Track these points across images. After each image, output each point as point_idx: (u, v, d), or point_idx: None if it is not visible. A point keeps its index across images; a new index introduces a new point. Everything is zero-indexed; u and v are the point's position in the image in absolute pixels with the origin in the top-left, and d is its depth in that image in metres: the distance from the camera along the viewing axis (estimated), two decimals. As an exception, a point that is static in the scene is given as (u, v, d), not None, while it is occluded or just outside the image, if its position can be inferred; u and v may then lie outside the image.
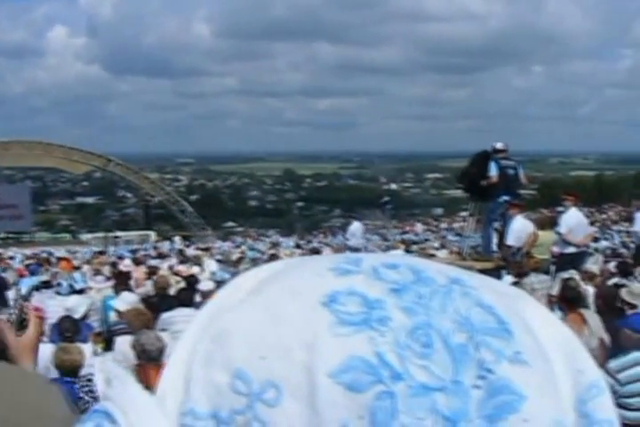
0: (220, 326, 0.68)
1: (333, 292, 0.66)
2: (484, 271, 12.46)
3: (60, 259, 24.80)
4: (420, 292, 0.69)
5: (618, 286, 10.48)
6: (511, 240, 13.50)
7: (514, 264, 12.64)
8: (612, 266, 14.91)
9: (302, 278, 0.70)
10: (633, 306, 8.98)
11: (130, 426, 0.64)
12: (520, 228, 13.41)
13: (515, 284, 10.41)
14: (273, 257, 22.97)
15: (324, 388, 0.62)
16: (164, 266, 20.34)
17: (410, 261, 0.73)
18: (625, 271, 12.70)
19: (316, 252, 27.04)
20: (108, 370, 0.70)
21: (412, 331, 0.66)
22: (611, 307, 9.06)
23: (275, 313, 0.67)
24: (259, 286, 0.71)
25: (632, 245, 19.91)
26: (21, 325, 2.64)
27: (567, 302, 8.69)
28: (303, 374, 0.63)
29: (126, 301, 10.84)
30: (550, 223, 15.22)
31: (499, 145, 14.74)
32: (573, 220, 13.64)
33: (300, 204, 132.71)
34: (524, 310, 0.80)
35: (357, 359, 0.63)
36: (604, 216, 52.20)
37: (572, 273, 11.82)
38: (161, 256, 30.11)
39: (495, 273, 12.27)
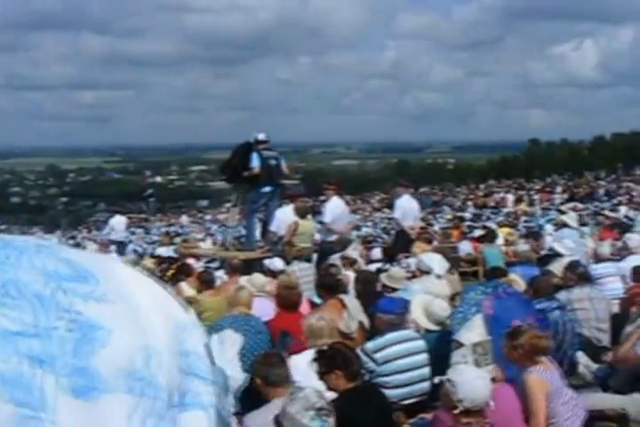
0: None
1: None
2: (248, 261, 12.59)
3: None
4: (7, 254, 0.76)
5: (381, 271, 10.85)
6: (274, 227, 13.66)
7: (276, 253, 12.81)
8: (376, 252, 15.39)
9: None
10: (393, 289, 9.33)
11: None
12: (282, 217, 13.58)
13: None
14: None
15: None
16: None
17: (2, 236, 0.83)
18: (389, 257, 13.11)
19: (78, 247, 26.44)
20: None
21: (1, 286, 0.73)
22: (370, 291, 9.35)
23: None
24: None
25: (393, 232, 20.62)
26: None
27: (326, 288, 8.89)
28: None
29: None
30: (311, 212, 15.52)
31: (260, 136, 14.82)
32: (335, 209, 13.94)
33: (63, 199, 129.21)
34: (112, 267, 0.96)
35: None
36: (367, 204, 53.71)
37: (333, 260, 12.11)
38: None
39: (259, 263, 12.36)
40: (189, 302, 8.62)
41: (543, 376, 5.82)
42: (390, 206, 26.97)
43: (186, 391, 1.50)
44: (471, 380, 4.84)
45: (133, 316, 0.98)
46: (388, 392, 6.40)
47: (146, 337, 0.98)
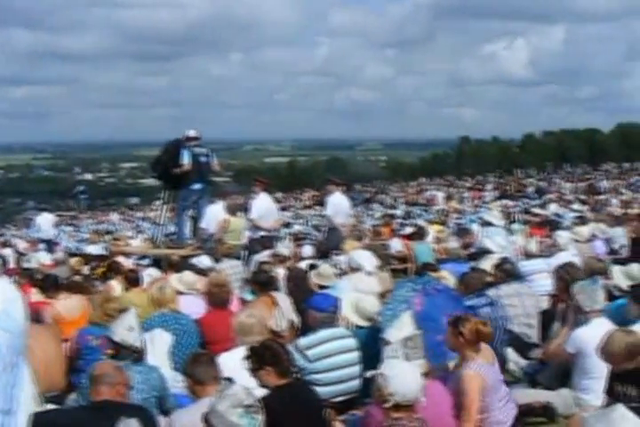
0: None
1: None
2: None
3: None
4: None
5: (313, 268, 10.84)
6: (205, 224, 13.59)
7: (207, 250, 12.75)
8: (307, 249, 15.39)
9: None
10: (323, 287, 9.33)
11: None
12: (212, 214, 13.52)
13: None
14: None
15: None
16: None
17: None
18: (322, 254, 13.11)
19: (7, 245, 26.04)
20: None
21: None
22: (301, 288, 9.35)
23: None
24: None
25: (324, 229, 20.66)
26: None
27: (258, 285, 8.88)
28: None
29: None
30: (241, 209, 15.49)
31: (191, 133, 14.76)
32: (263, 205, 13.94)
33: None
34: None
35: None
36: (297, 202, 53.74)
37: (264, 257, 12.09)
38: None
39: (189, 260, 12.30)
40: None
41: (480, 371, 5.87)
42: (321, 204, 27.00)
43: None
44: (402, 374, 4.85)
45: None
46: (319, 390, 6.39)
47: None
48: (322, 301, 7.45)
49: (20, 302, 1.95)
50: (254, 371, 5.42)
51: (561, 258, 10.74)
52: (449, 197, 40.58)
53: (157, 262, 13.67)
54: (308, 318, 7.41)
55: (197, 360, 5.49)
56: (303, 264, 11.71)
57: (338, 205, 14.92)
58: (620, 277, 8.47)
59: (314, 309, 7.33)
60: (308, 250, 14.38)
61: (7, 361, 1.87)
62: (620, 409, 3.72)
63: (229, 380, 5.32)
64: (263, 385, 5.38)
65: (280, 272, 10.58)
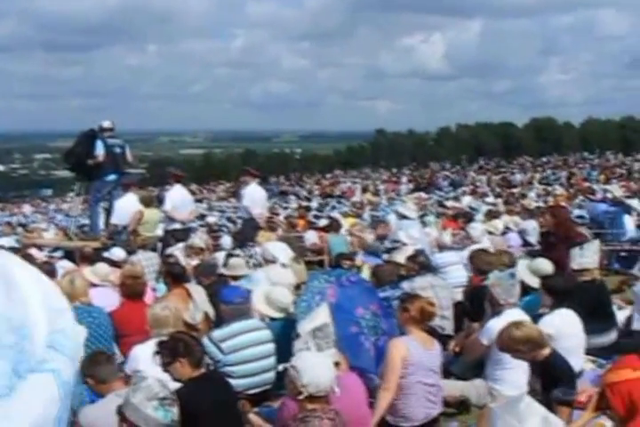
0: None
1: None
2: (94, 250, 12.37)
3: None
4: None
5: (231, 256, 10.82)
6: (115, 219, 13.45)
7: (121, 243, 12.63)
8: (225, 240, 15.35)
9: None
10: (235, 278, 9.35)
11: None
12: (126, 206, 13.39)
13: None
14: None
15: None
16: None
17: None
18: (239, 244, 13.09)
19: None
20: None
21: None
22: (214, 281, 9.34)
23: None
24: None
25: (239, 220, 20.61)
26: None
27: (172, 277, 8.82)
28: None
29: None
30: (156, 201, 15.37)
31: (105, 124, 14.56)
32: (177, 197, 13.83)
33: None
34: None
35: None
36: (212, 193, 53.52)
37: (178, 249, 12.03)
38: None
39: (102, 252, 12.17)
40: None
41: (407, 344, 5.97)
42: (236, 195, 26.92)
43: (43, 360, 1.98)
44: (315, 365, 4.87)
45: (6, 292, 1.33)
46: (234, 382, 6.39)
47: (16, 312, 1.38)
48: (229, 293, 7.47)
49: (70, 315, 2.10)
50: (168, 364, 5.38)
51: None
52: (364, 190, 40.80)
53: (70, 255, 13.48)
54: (221, 311, 7.43)
55: (96, 360, 5.41)
56: (221, 255, 11.68)
57: (254, 195, 14.88)
58: (525, 272, 8.60)
59: (222, 302, 7.38)
60: (225, 241, 14.33)
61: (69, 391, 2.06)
62: (526, 400, 3.80)
63: (139, 372, 5.30)
64: (177, 379, 5.35)
65: (195, 264, 10.55)
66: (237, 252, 11.82)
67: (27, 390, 1.96)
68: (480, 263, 9.08)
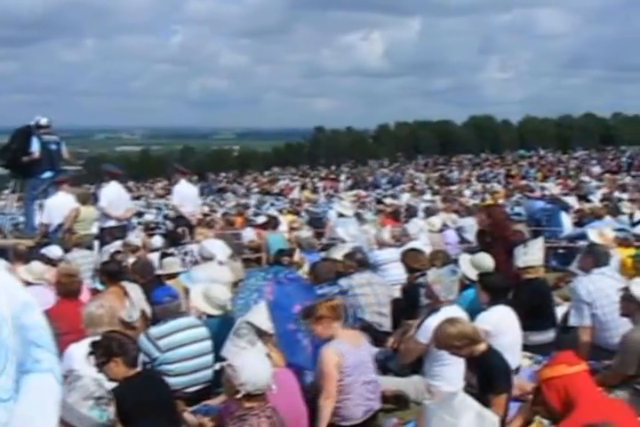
0: None
1: None
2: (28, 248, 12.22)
3: None
4: None
5: (165, 255, 10.77)
6: (46, 218, 13.30)
7: (56, 241, 12.48)
8: (157, 239, 15.24)
9: None
10: (170, 277, 9.35)
11: None
12: (59, 204, 13.24)
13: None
14: None
15: None
16: None
17: None
18: (173, 242, 13.01)
19: None
20: None
21: None
22: (150, 279, 9.28)
23: None
24: None
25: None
26: None
27: (108, 275, 8.75)
28: None
29: None
30: (92, 198, 15.22)
31: (42, 121, 14.43)
32: (113, 194, 13.67)
33: None
34: None
35: None
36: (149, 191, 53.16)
37: (115, 247, 11.92)
38: None
39: (37, 250, 12.02)
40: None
41: (337, 349, 5.95)
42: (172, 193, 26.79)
43: (25, 358, 1.92)
44: (251, 363, 4.86)
45: None
46: (171, 380, 6.35)
47: None
48: (158, 294, 7.47)
49: (39, 310, 1.99)
50: (102, 364, 5.33)
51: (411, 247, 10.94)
52: (302, 187, 40.88)
53: (4, 253, 13.31)
54: (156, 309, 7.42)
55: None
56: (155, 254, 11.61)
57: (184, 193, 14.82)
58: (467, 266, 8.68)
59: (152, 302, 7.41)
60: (157, 240, 14.25)
61: None
62: (460, 396, 3.83)
63: (74, 371, 5.24)
64: (112, 379, 5.30)
65: (131, 262, 10.47)
66: (171, 250, 11.77)
67: (35, 391, 1.98)
68: (411, 262, 9.14)
